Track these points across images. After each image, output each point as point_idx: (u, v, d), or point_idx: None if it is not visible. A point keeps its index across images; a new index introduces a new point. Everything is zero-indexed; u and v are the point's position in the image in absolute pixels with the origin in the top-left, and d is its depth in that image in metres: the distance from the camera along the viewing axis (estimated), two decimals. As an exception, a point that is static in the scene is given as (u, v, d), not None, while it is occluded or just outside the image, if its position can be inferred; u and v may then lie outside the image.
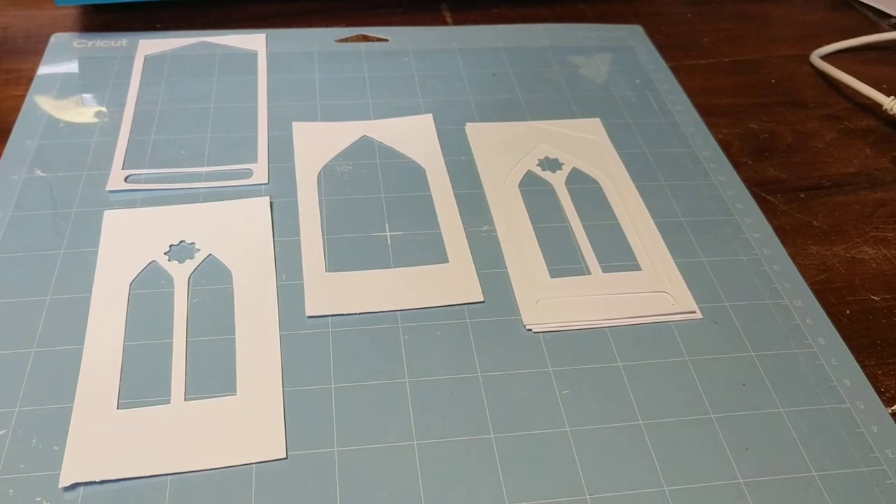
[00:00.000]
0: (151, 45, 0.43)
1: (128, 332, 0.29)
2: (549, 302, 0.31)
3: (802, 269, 0.34)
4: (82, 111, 0.38)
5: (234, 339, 0.29)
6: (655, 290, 0.32)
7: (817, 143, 0.41)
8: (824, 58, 0.46)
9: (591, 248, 0.33)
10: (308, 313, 0.30)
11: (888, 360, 0.30)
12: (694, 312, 0.31)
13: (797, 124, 0.42)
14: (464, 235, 0.33)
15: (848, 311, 0.32)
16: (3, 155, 0.36)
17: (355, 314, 0.30)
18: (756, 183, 0.38)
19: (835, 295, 0.33)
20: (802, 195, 0.38)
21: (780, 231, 0.35)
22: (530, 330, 0.30)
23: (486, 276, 0.32)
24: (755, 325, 0.31)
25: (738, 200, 0.37)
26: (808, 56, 0.47)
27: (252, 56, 0.43)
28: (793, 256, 0.34)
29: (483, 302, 0.31)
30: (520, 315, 0.30)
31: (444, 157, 0.37)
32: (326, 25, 0.46)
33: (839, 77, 0.44)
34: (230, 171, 0.36)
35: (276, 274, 0.31)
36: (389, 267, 0.32)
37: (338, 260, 0.32)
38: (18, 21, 0.45)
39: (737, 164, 0.39)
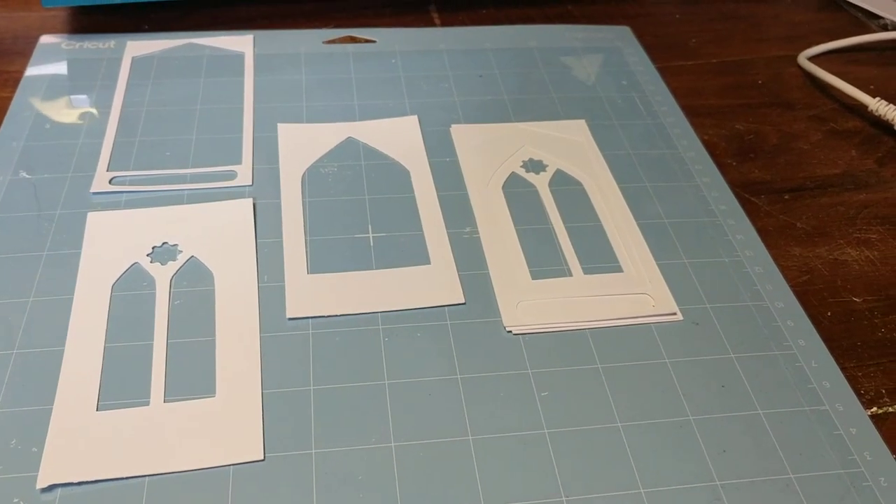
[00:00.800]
0: (139, 46, 0.43)
1: (109, 334, 0.29)
2: (529, 304, 0.31)
3: (785, 270, 0.34)
4: (69, 113, 0.39)
5: (214, 340, 0.29)
6: (636, 291, 0.32)
7: (803, 145, 0.41)
8: (812, 59, 0.46)
9: (573, 250, 0.33)
10: (289, 315, 0.30)
11: (868, 362, 0.30)
12: (675, 314, 0.31)
13: (783, 125, 0.42)
14: (446, 237, 0.33)
15: (829, 313, 0.32)
16: (-11, 157, 0.36)
17: (336, 316, 0.30)
18: (740, 184, 0.38)
19: (816, 297, 0.33)
20: (787, 196, 0.38)
21: (764, 232, 0.35)
22: (510, 332, 0.30)
23: (468, 278, 0.32)
24: (736, 327, 0.31)
25: (722, 202, 0.37)
26: (795, 57, 0.47)
27: (239, 57, 0.43)
28: (775, 258, 0.34)
29: (464, 304, 0.31)
30: (500, 317, 0.30)
31: (428, 158, 0.38)
32: (314, 27, 0.46)
33: (826, 78, 0.44)
34: (214, 173, 0.36)
35: (257, 275, 0.31)
36: (372, 268, 0.32)
37: (320, 261, 0.32)
38: (6, 23, 0.45)
39: (721, 166, 0.39)
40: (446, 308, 0.31)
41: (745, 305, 0.32)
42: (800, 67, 0.47)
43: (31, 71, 0.41)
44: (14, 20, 0.45)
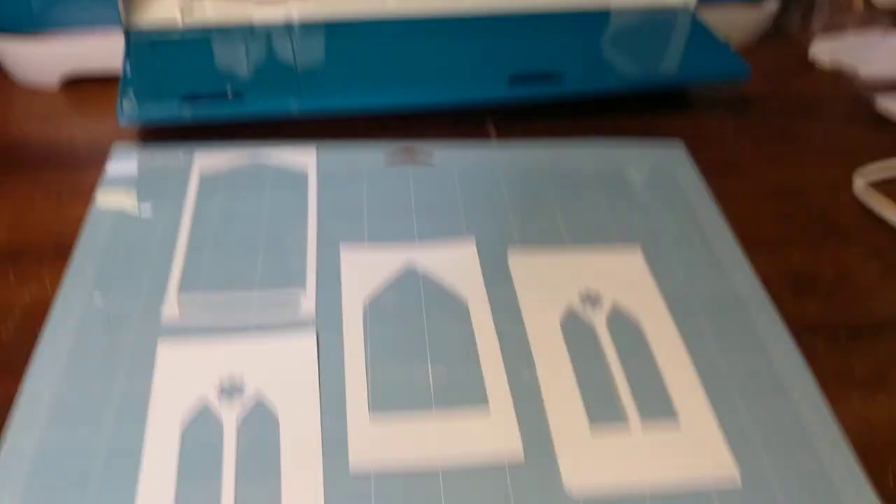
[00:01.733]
0: (206, 159, 0.45)
1: (179, 480, 0.30)
2: (589, 461, 0.31)
3: (843, 422, 0.33)
4: (140, 231, 0.40)
5: (279, 491, 0.29)
6: (695, 452, 0.32)
7: (860, 281, 0.41)
8: (869, 184, 0.46)
9: (631, 399, 0.34)
10: (352, 471, 0.30)
11: (933, 533, 0.30)
12: (733, 476, 0.31)
13: (839, 257, 0.42)
14: (505, 380, 0.34)
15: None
16: (66, 278, 0.37)
17: (398, 473, 0.30)
18: (796, 321, 0.38)
19: (879, 455, 0.32)
20: (844, 335, 0.38)
21: (820, 377, 0.35)
22: (570, 491, 0.30)
23: (526, 427, 0.32)
24: (796, 491, 0.31)
25: (777, 340, 0.37)
26: (851, 181, 0.47)
27: (302, 172, 0.44)
28: (833, 403, 0.34)
29: (523, 463, 0.31)
30: (560, 474, 0.31)
31: (485, 287, 0.38)
32: (372, 138, 0.47)
33: (885, 206, 0.44)
34: (279, 298, 0.37)
35: (320, 415, 0.32)
36: (431, 408, 0.33)
37: (381, 400, 0.33)
38: (82, 133, 0.47)
39: (777, 300, 0.39)
40: (506, 466, 0.31)
41: (801, 460, 0.32)
42: (856, 194, 0.46)
43: (105, 184, 0.43)
44: (88, 130, 0.47)
